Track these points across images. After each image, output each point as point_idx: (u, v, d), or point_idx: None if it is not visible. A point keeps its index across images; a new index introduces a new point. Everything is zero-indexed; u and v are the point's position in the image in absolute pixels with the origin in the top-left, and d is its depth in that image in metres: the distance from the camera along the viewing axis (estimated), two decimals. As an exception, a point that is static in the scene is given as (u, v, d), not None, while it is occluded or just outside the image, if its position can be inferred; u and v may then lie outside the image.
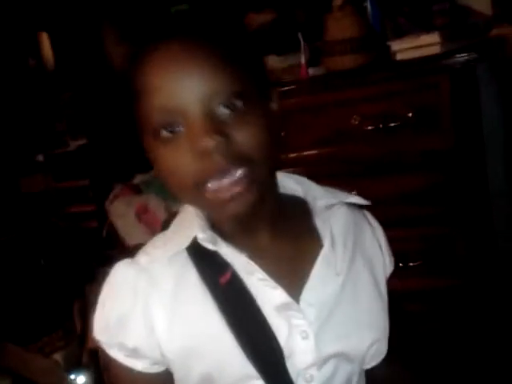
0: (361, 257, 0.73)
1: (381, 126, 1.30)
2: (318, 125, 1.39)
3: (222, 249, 0.65)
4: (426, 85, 1.25)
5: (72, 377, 1.98)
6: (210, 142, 0.56)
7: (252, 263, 0.65)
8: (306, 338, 0.65)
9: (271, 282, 0.65)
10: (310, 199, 0.73)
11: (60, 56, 2.60)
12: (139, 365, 0.67)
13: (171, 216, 0.73)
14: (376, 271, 0.74)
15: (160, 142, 0.59)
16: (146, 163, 0.65)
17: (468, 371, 1.32)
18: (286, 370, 0.64)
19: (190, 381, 0.66)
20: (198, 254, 0.66)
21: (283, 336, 0.65)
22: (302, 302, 0.65)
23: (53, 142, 2.63)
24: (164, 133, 0.59)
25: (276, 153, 0.64)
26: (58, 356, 2.07)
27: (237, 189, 0.59)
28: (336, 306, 0.68)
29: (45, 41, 2.64)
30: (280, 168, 0.73)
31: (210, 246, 0.65)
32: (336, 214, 0.72)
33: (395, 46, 1.34)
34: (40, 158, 2.66)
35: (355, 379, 0.71)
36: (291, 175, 0.75)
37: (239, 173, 0.58)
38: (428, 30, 1.35)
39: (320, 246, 0.69)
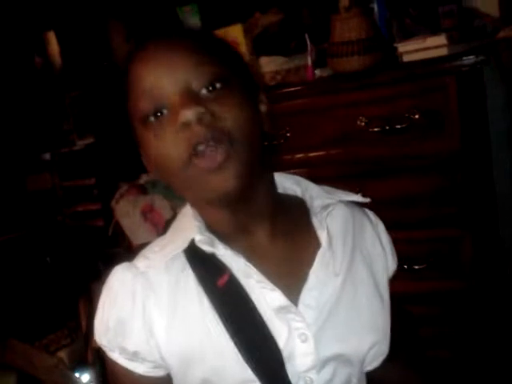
0: (361, 256, 0.72)
1: (387, 127, 1.30)
2: (324, 126, 1.39)
3: (220, 250, 0.65)
4: (433, 87, 1.25)
5: (77, 375, 1.99)
6: (189, 113, 0.58)
7: (250, 265, 0.65)
8: (305, 341, 0.65)
9: (269, 285, 0.65)
10: (307, 199, 0.73)
11: (67, 55, 2.60)
12: (141, 368, 0.67)
13: (170, 221, 0.74)
14: (376, 271, 0.74)
15: (148, 128, 0.62)
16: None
17: (473, 374, 1.32)
18: (285, 373, 0.64)
19: None
20: (196, 257, 0.66)
21: (282, 339, 0.64)
22: (300, 304, 0.66)
23: (59, 141, 2.64)
24: (151, 119, 0.62)
25: (261, 143, 0.65)
26: (62, 354, 2.08)
27: (220, 159, 0.59)
28: (335, 307, 0.68)
29: (52, 40, 2.64)
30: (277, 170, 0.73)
31: (207, 248, 0.65)
32: (334, 214, 0.72)
33: (402, 47, 1.34)
34: (47, 156, 2.67)
35: (354, 381, 0.71)
36: (289, 175, 0.76)
37: (220, 145, 0.59)
38: (435, 31, 1.35)
39: (318, 245, 0.69)
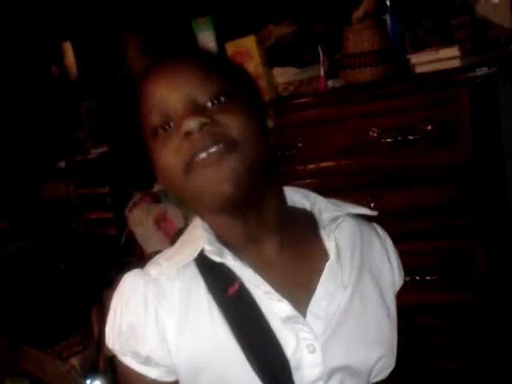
0: (369, 269, 0.73)
1: (399, 138, 1.30)
2: (337, 137, 1.40)
3: (229, 261, 0.66)
4: (446, 98, 1.25)
5: (88, 382, 2.00)
6: (191, 123, 0.60)
7: (257, 276, 0.66)
8: (312, 351, 0.65)
9: (276, 295, 0.65)
10: (316, 212, 0.74)
11: (83, 65, 2.65)
12: (153, 372, 0.68)
13: (181, 231, 0.75)
14: (384, 284, 0.74)
15: (157, 141, 0.64)
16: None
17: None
18: (292, 383, 0.65)
19: None
20: (207, 267, 0.67)
21: (290, 349, 0.65)
22: (308, 315, 0.66)
23: (74, 150, 2.67)
24: (160, 131, 0.64)
25: (267, 154, 0.67)
26: (74, 360, 2.09)
27: (216, 155, 0.61)
28: (343, 318, 0.68)
29: (68, 50, 2.69)
30: (283, 180, 0.74)
31: (216, 258, 0.66)
32: (342, 226, 0.73)
33: (415, 58, 1.34)
34: (62, 165, 2.70)
35: None
36: (298, 189, 0.77)
37: (221, 147, 0.61)
38: (448, 43, 1.35)
39: (326, 258, 0.69)
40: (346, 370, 0.68)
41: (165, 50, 0.72)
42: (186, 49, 0.74)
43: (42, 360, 2.08)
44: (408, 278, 1.30)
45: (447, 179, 1.28)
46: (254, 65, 1.53)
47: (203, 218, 0.70)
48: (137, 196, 2.08)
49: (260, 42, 1.58)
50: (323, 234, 0.71)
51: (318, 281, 0.67)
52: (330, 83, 1.49)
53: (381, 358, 0.70)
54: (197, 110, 0.62)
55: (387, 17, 1.46)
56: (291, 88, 1.56)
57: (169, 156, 0.63)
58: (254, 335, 0.65)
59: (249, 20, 1.79)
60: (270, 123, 0.70)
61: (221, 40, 1.63)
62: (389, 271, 0.76)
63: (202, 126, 0.61)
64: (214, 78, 0.64)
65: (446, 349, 1.30)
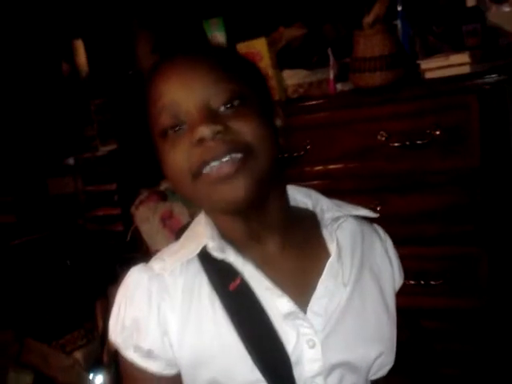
0: (369, 269, 0.74)
1: (407, 143, 1.30)
2: (345, 140, 1.40)
3: (230, 257, 0.67)
4: (455, 104, 1.25)
5: (90, 376, 2.01)
6: (205, 130, 0.60)
7: (259, 272, 0.67)
8: (313, 346, 0.66)
9: (277, 291, 0.67)
10: (318, 212, 0.75)
11: (93, 63, 2.66)
12: (154, 366, 0.69)
13: (185, 226, 0.76)
14: (384, 284, 0.75)
15: (166, 141, 0.64)
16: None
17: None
18: (292, 377, 0.66)
19: None
20: (209, 262, 0.68)
21: (291, 344, 0.66)
22: (309, 312, 0.67)
23: (83, 147, 2.69)
24: (170, 132, 0.64)
25: (277, 158, 0.67)
26: (78, 354, 2.11)
27: (228, 169, 0.61)
28: (343, 315, 0.69)
29: (79, 48, 2.70)
30: (291, 181, 0.75)
31: (218, 255, 0.67)
32: (344, 227, 0.74)
33: (425, 64, 1.35)
34: (70, 161, 2.72)
35: None
36: (301, 188, 0.78)
37: (233, 156, 0.61)
38: (458, 49, 1.36)
39: (328, 256, 0.70)
40: (346, 366, 0.69)
41: (177, 45, 0.71)
42: (199, 45, 0.72)
43: (46, 353, 2.09)
44: (413, 282, 1.32)
45: (454, 185, 1.28)
46: (264, 67, 1.54)
47: (207, 215, 0.72)
48: (144, 194, 2.09)
49: (271, 44, 1.59)
50: (325, 233, 0.72)
51: (318, 279, 0.69)
52: (339, 86, 1.50)
53: (380, 355, 0.71)
54: (211, 115, 0.61)
55: (398, 22, 1.46)
56: (301, 90, 1.57)
57: (178, 158, 0.63)
58: (256, 330, 0.66)
59: (260, 22, 1.80)
60: (279, 122, 0.70)
61: (232, 41, 1.64)
62: (389, 271, 0.77)
63: (215, 134, 0.61)
64: (228, 79, 0.64)
65: (448, 353, 1.31)
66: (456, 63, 1.28)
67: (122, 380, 0.74)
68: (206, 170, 0.62)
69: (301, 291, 0.68)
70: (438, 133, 1.26)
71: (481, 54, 1.31)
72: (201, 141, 0.61)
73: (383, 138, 1.34)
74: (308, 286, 0.69)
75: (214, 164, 0.61)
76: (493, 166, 1.24)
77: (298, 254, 0.71)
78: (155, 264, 0.71)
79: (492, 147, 1.23)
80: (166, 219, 1.98)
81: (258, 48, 1.55)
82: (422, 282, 1.33)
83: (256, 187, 0.63)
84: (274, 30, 1.71)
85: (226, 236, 0.69)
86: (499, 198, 1.25)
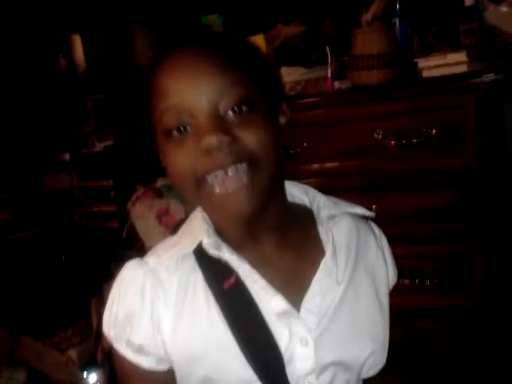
0: (363, 267, 0.74)
1: (404, 141, 1.30)
2: (341, 138, 1.40)
3: (226, 255, 0.67)
4: (452, 103, 1.25)
5: (84, 374, 2.00)
6: (213, 140, 0.59)
7: (254, 271, 0.67)
8: (305, 344, 0.66)
9: (271, 290, 0.67)
10: (314, 208, 0.75)
11: (91, 58, 2.66)
12: (145, 361, 0.69)
13: (182, 221, 0.75)
14: (378, 282, 0.75)
15: (170, 141, 0.63)
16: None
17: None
18: (285, 375, 0.66)
19: (192, 382, 0.68)
20: (205, 259, 0.68)
21: (284, 342, 0.66)
22: (302, 310, 0.67)
23: (79, 142, 2.68)
24: (175, 133, 0.62)
25: (281, 162, 0.66)
26: (72, 352, 2.10)
27: (235, 184, 0.60)
28: (336, 314, 0.69)
29: (77, 43, 2.70)
30: (286, 179, 0.74)
31: (213, 251, 0.67)
32: (339, 224, 0.73)
33: (422, 63, 1.35)
34: (66, 157, 2.71)
35: None
36: (297, 184, 0.77)
37: (239, 169, 0.60)
38: (456, 48, 1.36)
39: (323, 255, 0.70)
40: (338, 364, 0.69)
41: (186, 34, 0.67)
42: (203, 34, 0.67)
43: (40, 350, 2.08)
44: (407, 281, 1.32)
45: (450, 184, 1.28)
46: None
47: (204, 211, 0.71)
48: (140, 190, 2.09)
49: (269, 41, 1.59)
50: (321, 230, 0.72)
51: (313, 277, 0.69)
52: (337, 84, 1.50)
53: (373, 353, 0.71)
54: (219, 123, 0.60)
55: (396, 20, 1.46)
56: (298, 87, 1.56)
57: (182, 161, 0.62)
58: (249, 329, 0.66)
59: (258, 19, 1.80)
60: (283, 119, 0.69)
61: (235, 34, 1.64)
62: (383, 269, 0.77)
63: (222, 145, 0.59)
64: (239, 80, 0.61)
65: (443, 353, 1.31)
66: (453, 62, 1.28)
67: (117, 372, 0.74)
68: (211, 178, 0.61)
69: (295, 289, 0.68)
70: (434, 132, 1.26)
71: (478, 53, 1.31)
72: (208, 150, 0.59)
73: (380, 137, 1.33)
74: (302, 284, 0.69)
75: (219, 174, 0.60)
76: (489, 166, 1.24)
77: (293, 252, 0.71)
78: (150, 259, 0.70)
79: (488, 146, 1.23)
80: (162, 216, 1.97)
81: (256, 44, 1.54)
82: (417, 282, 1.33)
83: (260, 199, 0.63)
84: (273, 27, 1.71)
85: (222, 233, 0.69)
86: (495, 198, 1.25)
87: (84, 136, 2.66)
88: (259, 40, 1.55)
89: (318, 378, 0.67)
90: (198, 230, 0.69)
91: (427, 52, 1.43)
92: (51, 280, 2.50)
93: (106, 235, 2.57)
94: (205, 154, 0.60)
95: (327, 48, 1.51)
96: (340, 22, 1.67)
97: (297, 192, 0.77)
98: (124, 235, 2.15)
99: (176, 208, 1.93)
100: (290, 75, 1.58)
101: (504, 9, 1.41)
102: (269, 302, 0.66)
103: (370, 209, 0.76)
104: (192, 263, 0.69)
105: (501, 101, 1.21)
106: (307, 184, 0.79)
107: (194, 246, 0.68)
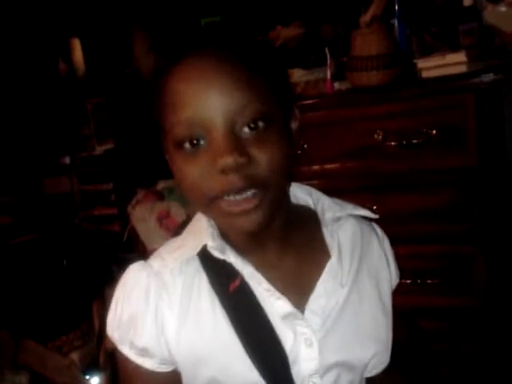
0: (367, 269, 0.74)
1: (404, 142, 1.30)
2: (341, 139, 1.40)
3: (230, 258, 0.67)
4: (451, 103, 1.25)
5: (87, 377, 2.00)
6: (229, 161, 0.57)
7: (259, 274, 0.67)
8: (310, 345, 0.66)
9: (276, 293, 0.67)
10: (319, 210, 0.74)
11: (91, 62, 2.66)
12: (149, 363, 0.69)
13: (185, 222, 0.75)
14: (381, 284, 0.75)
15: (182, 153, 0.61)
16: (169, 170, 0.67)
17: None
18: (290, 376, 0.66)
19: (197, 383, 0.68)
20: (210, 261, 0.68)
21: (289, 343, 0.66)
22: (306, 311, 0.67)
23: (79, 146, 2.69)
24: (187, 145, 0.60)
25: (290, 172, 0.66)
26: (74, 355, 2.10)
27: (247, 206, 0.60)
28: (340, 315, 0.69)
29: (76, 46, 2.70)
30: (293, 181, 0.74)
31: (218, 255, 0.67)
32: (344, 226, 0.73)
33: (421, 63, 1.35)
34: (66, 160, 2.72)
35: None
36: (300, 185, 0.77)
37: (252, 192, 0.60)
38: (455, 49, 1.36)
39: (327, 257, 0.70)
40: (342, 365, 0.69)
41: (203, 34, 0.63)
42: (228, 41, 0.63)
43: (42, 354, 2.08)
44: (409, 281, 1.32)
45: (451, 184, 1.28)
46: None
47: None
48: (140, 193, 2.09)
49: (268, 43, 1.58)
50: (325, 232, 0.72)
51: (317, 279, 0.69)
52: (337, 85, 1.50)
53: (375, 354, 0.71)
54: (235, 142, 0.58)
55: (395, 21, 1.47)
56: (298, 89, 1.57)
57: (193, 175, 0.61)
58: (254, 331, 0.66)
59: (257, 21, 1.80)
60: (294, 125, 0.69)
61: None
62: (386, 270, 0.77)
63: (238, 166, 0.58)
64: (257, 94, 0.59)
65: (445, 353, 1.31)
66: (452, 62, 1.28)
67: (119, 375, 0.74)
68: (224, 198, 0.60)
69: (299, 291, 0.68)
70: (434, 132, 1.27)
71: (477, 53, 1.32)
72: (223, 171, 0.58)
73: (380, 137, 1.34)
74: (306, 286, 0.69)
75: (231, 197, 0.60)
76: (489, 165, 1.24)
77: (297, 254, 0.71)
78: (154, 262, 0.70)
79: (488, 146, 1.23)
80: (163, 219, 1.97)
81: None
82: (419, 281, 1.33)
83: (270, 216, 0.63)
84: (272, 29, 1.71)
85: (227, 236, 0.69)
86: (496, 197, 1.25)
87: (84, 139, 2.67)
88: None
89: (322, 378, 0.68)
90: (202, 232, 0.69)
91: (426, 53, 1.43)
92: (53, 283, 2.50)
93: (106, 238, 2.57)
94: (220, 173, 0.59)
95: (326, 49, 1.51)
96: (339, 23, 1.68)
97: (300, 194, 0.77)
98: (125, 238, 2.15)
99: (177, 211, 1.93)
100: (289, 77, 1.58)
101: (502, 9, 1.42)
102: (273, 304, 0.67)
103: (371, 210, 0.76)
104: (196, 266, 0.69)
105: (500, 100, 1.22)
106: (308, 185, 0.79)
107: (199, 248, 0.68)
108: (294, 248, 0.71)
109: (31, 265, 2.55)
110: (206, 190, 0.61)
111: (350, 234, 0.74)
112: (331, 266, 0.69)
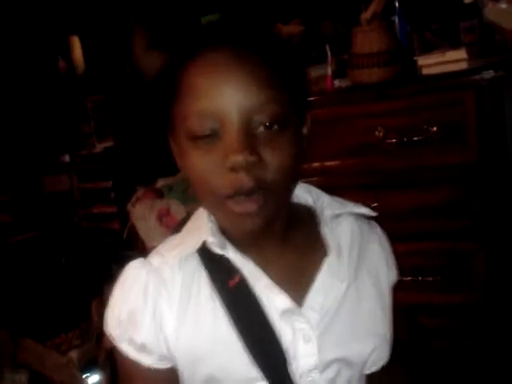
0: (365, 266, 0.74)
1: (405, 139, 1.30)
2: (342, 136, 1.40)
3: (230, 254, 0.67)
4: (452, 100, 1.25)
5: (85, 376, 2.00)
6: (240, 159, 0.58)
7: (258, 270, 0.67)
8: (308, 341, 0.66)
9: (275, 288, 0.67)
10: (318, 208, 0.74)
11: (90, 59, 2.66)
12: (148, 359, 0.69)
13: (185, 219, 0.75)
14: (380, 281, 0.75)
15: (193, 145, 0.61)
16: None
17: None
18: (289, 372, 0.66)
19: (196, 380, 0.68)
20: (209, 258, 0.68)
21: (287, 340, 0.66)
22: (305, 307, 0.67)
23: (79, 144, 2.68)
24: (201, 137, 0.60)
25: (297, 175, 0.66)
26: (73, 354, 2.10)
27: (252, 207, 0.60)
28: (338, 311, 0.69)
29: (76, 44, 2.70)
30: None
31: (218, 251, 0.67)
32: (343, 224, 0.74)
33: (422, 60, 1.35)
34: (66, 158, 2.72)
35: (354, 383, 0.72)
36: (301, 184, 0.77)
37: (260, 192, 0.60)
38: (455, 46, 1.36)
39: (326, 254, 0.70)
40: (341, 361, 0.69)
41: (226, 26, 0.62)
42: (249, 36, 0.62)
43: (41, 353, 2.08)
44: (409, 278, 1.32)
45: (451, 181, 1.29)
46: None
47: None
48: (140, 191, 2.08)
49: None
50: (325, 230, 0.72)
51: (315, 276, 0.69)
52: (337, 83, 1.50)
53: (375, 350, 0.72)
54: (248, 141, 0.58)
55: (396, 18, 1.47)
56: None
57: (203, 169, 0.61)
58: (253, 326, 0.66)
59: (257, 18, 1.79)
60: (305, 130, 0.69)
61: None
62: (385, 267, 0.77)
63: (248, 165, 0.58)
64: (275, 95, 0.59)
65: (446, 349, 1.31)
66: (453, 59, 1.29)
67: (118, 373, 0.74)
68: (231, 199, 0.61)
69: (298, 288, 0.68)
70: (435, 129, 1.27)
71: (478, 50, 1.32)
72: (232, 168, 0.58)
73: (381, 134, 1.34)
74: (305, 282, 0.69)
75: (240, 197, 0.60)
76: (490, 162, 1.24)
77: (297, 252, 0.71)
78: (154, 259, 0.70)
79: (489, 143, 1.23)
80: (163, 216, 1.97)
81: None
82: (420, 278, 1.33)
83: (274, 217, 0.64)
84: (272, 27, 1.70)
85: (226, 232, 0.69)
86: (496, 194, 1.25)
87: (84, 137, 2.67)
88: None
89: (321, 374, 0.68)
90: (202, 229, 0.69)
91: (427, 50, 1.43)
92: (52, 282, 2.50)
93: (106, 236, 2.57)
94: (229, 171, 0.59)
95: (327, 47, 1.51)
96: (339, 20, 1.68)
97: (300, 191, 0.76)
98: (125, 236, 2.15)
99: (177, 208, 1.93)
100: (289, 74, 1.58)
101: (503, 5, 1.42)
102: (273, 300, 0.67)
103: (371, 206, 0.76)
104: (196, 262, 0.69)
105: (501, 97, 1.22)
106: (308, 183, 0.78)
107: (198, 245, 0.68)
108: (293, 245, 0.71)
109: (31, 263, 2.54)
110: (214, 187, 0.61)
111: (349, 232, 0.74)
112: (330, 263, 0.69)
